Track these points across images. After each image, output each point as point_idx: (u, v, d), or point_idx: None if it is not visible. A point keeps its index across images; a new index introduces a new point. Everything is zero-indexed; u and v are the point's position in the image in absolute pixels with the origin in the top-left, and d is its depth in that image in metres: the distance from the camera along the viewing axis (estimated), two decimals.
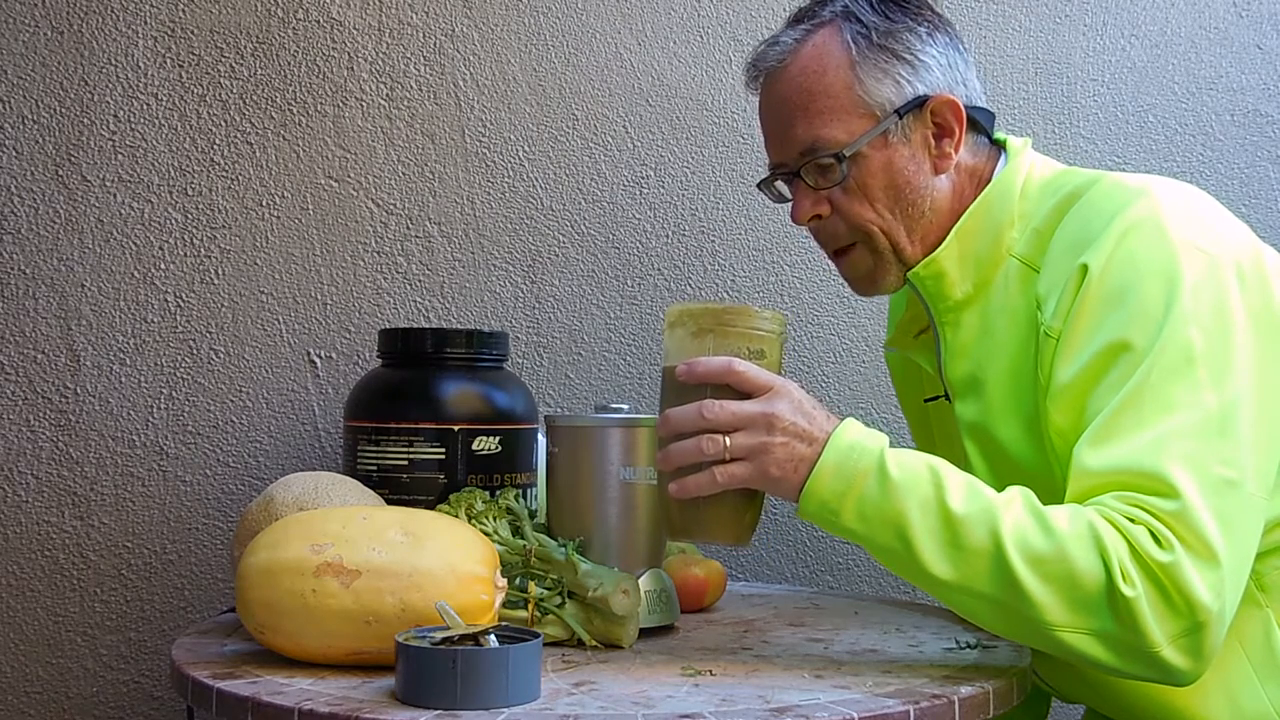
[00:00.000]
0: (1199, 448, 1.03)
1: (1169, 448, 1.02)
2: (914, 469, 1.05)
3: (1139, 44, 1.82)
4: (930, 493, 1.04)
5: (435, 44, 1.72)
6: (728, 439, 1.07)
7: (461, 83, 1.72)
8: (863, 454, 1.06)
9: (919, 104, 1.20)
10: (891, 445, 1.08)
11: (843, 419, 1.09)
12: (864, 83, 1.20)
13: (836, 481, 1.06)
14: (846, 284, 1.30)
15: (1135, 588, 0.99)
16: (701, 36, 1.76)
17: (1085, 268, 1.11)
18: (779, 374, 1.13)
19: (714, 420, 1.08)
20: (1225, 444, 1.04)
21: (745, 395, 1.09)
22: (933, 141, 1.22)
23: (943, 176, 1.23)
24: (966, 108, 1.22)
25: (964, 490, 1.04)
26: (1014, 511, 1.03)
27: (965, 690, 1.02)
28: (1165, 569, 0.99)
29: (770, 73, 1.25)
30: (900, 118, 1.20)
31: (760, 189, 1.31)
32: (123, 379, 1.66)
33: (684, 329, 1.13)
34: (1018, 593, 1.01)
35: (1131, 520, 1.01)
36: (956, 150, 1.22)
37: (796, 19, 1.26)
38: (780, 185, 1.29)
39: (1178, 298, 1.07)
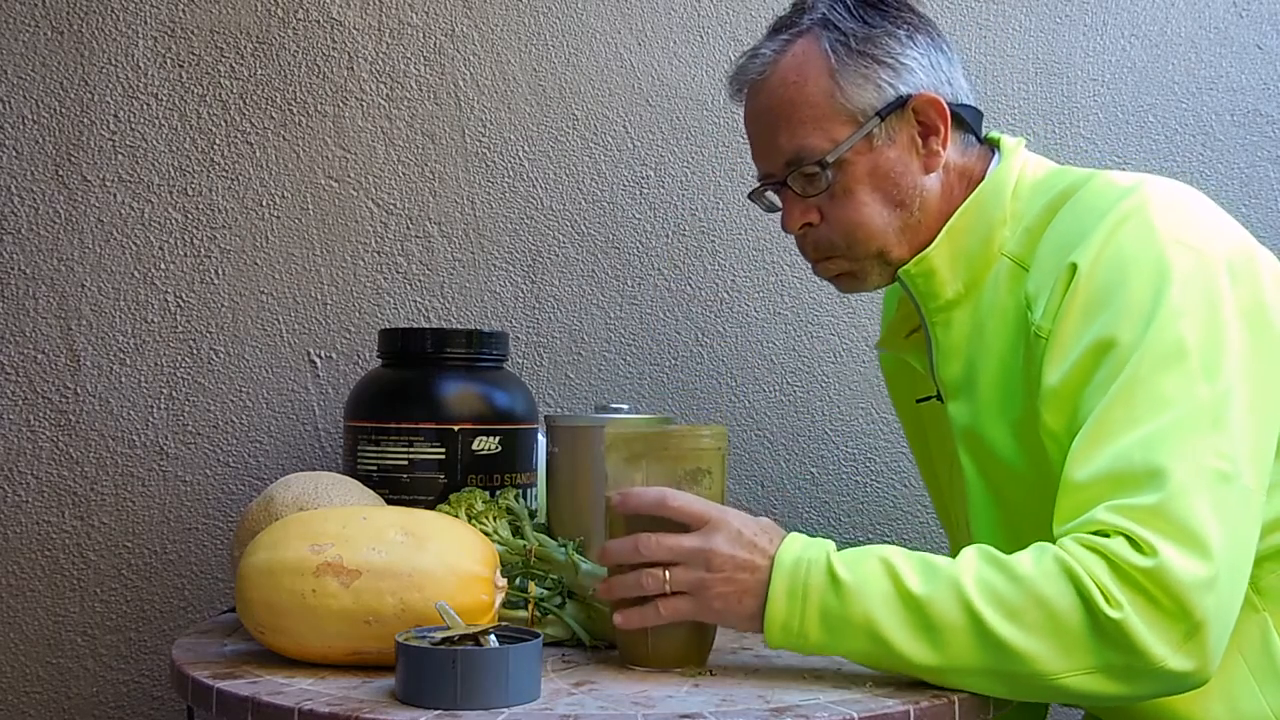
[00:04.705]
0: (1191, 440, 1.01)
1: (1160, 444, 1.00)
2: (865, 567, 1.03)
3: (1139, 44, 1.81)
4: (888, 585, 1.01)
5: (435, 44, 1.72)
6: (668, 573, 1.06)
7: (461, 83, 1.72)
8: (811, 568, 1.03)
9: (900, 104, 1.20)
10: (839, 546, 1.06)
11: (784, 536, 1.07)
12: (844, 90, 1.19)
13: (792, 603, 1.03)
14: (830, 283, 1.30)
15: (1122, 608, 0.96)
16: (701, 36, 1.76)
17: (1074, 266, 1.10)
18: (722, 492, 1.13)
19: (651, 555, 1.07)
20: (1219, 436, 1.02)
21: (684, 526, 1.08)
22: (919, 140, 1.21)
23: (932, 175, 1.22)
24: (951, 105, 1.21)
25: (919, 570, 1.02)
26: (975, 572, 1.00)
27: (965, 691, 1.02)
28: (1149, 574, 0.96)
29: (752, 85, 1.25)
30: (882, 120, 1.19)
31: (751, 199, 1.31)
32: (123, 379, 1.66)
33: (618, 454, 1.12)
34: (1005, 654, 0.98)
35: (1106, 535, 0.98)
36: (944, 148, 1.21)
37: (775, 29, 1.25)
38: (770, 195, 1.29)
39: (1166, 292, 1.06)
